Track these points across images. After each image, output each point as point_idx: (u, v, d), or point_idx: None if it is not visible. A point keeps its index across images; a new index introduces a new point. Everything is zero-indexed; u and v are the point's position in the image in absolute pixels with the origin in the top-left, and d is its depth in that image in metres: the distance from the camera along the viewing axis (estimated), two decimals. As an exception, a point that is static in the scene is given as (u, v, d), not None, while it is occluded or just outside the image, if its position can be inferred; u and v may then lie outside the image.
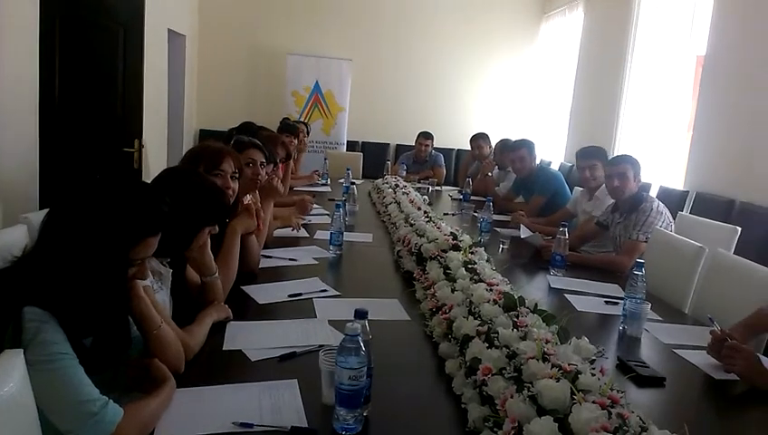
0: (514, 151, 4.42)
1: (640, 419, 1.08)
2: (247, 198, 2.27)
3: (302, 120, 7.11)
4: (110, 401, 1.12)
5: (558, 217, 3.79)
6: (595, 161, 3.56)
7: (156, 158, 5.29)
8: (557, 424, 1.07)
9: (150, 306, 1.36)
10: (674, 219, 3.16)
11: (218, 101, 7.73)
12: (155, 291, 1.53)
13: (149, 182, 1.61)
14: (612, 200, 3.22)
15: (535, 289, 2.53)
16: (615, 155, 3.16)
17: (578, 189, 4.04)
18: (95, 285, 1.15)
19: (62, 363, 1.09)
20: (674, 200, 4.70)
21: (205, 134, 7.60)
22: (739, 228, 3.18)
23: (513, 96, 8.42)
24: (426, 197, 4.03)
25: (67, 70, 4.11)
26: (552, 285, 2.56)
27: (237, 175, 2.12)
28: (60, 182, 3.88)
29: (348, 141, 7.90)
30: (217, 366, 1.56)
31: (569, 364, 1.23)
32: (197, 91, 7.68)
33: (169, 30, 5.99)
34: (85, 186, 1.21)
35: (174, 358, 1.40)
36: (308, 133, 5.72)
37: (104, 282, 1.16)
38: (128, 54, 4.40)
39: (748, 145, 4.39)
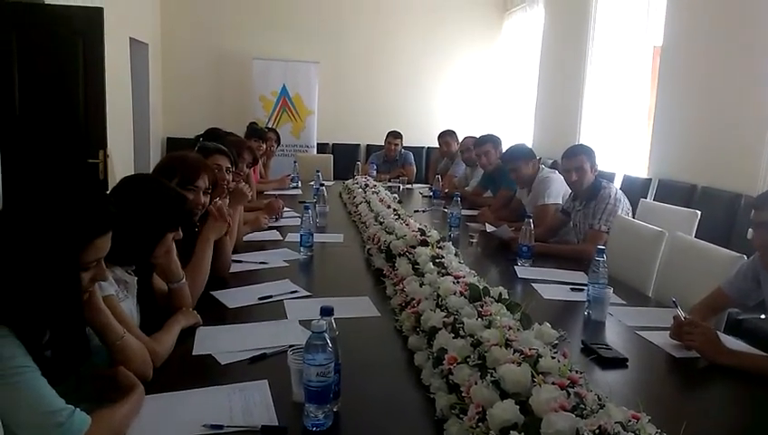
0: (480, 147, 4.48)
1: (598, 397, 1.12)
2: (217, 202, 2.27)
3: (271, 125, 7.08)
4: (77, 410, 1.12)
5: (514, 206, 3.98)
6: (515, 163, 3.69)
7: (122, 168, 5.22)
8: (518, 407, 1.11)
9: (111, 317, 1.35)
10: (636, 206, 3.24)
11: (185, 109, 7.65)
12: (120, 300, 1.52)
13: (109, 190, 1.60)
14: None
15: (503, 280, 2.57)
16: (568, 147, 3.22)
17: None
18: (48, 292, 1.14)
19: (23, 377, 1.08)
20: (638, 188, 4.81)
21: (172, 142, 7.52)
22: (699, 212, 3.27)
23: (478, 92, 8.50)
24: (396, 195, 4.06)
25: (26, 82, 4.05)
26: (519, 275, 2.61)
27: (210, 190, 2.13)
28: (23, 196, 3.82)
29: (318, 144, 7.89)
30: (187, 371, 1.56)
31: (530, 349, 1.27)
32: (163, 99, 7.60)
33: (131, 39, 5.93)
34: (26, 194, 1.20)
35: (140, 366, 1.39)
36: (278, 142, 5.71)
37: (57, 288, 1.15)
38: (88, 64, 4.34)
39: (707, 132, 4.51)
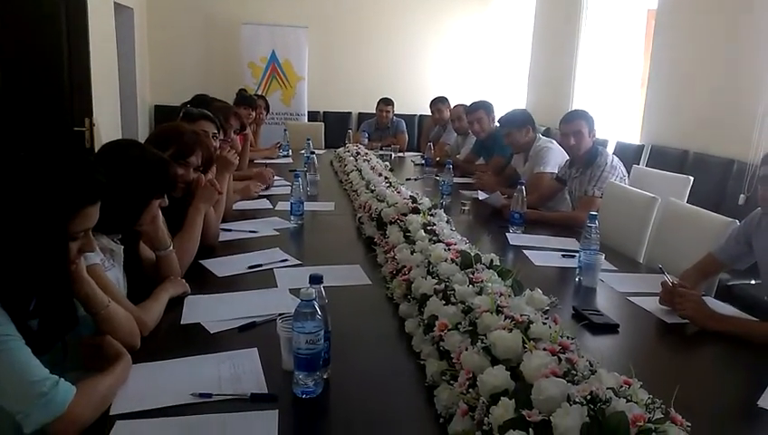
0: (472, 113, 4.43)
1: (589, 363, 1.11)
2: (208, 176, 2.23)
3: (260, 93, 6.97)
4: (61, 379, 1.10)
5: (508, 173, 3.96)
6: (510, 129, 3.63)
7: (109, 136, 5.12)
8: (509, 372, 1.10)
9: (95, 287, 1.32)
10: (629, 173, 3.23)
11: (172, 76, 7.50)
12: (106, 269, 1.50)
13: (89, 156, 1.56)
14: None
15: (495, 247, 2.56)
16: (569, 111, 3.19)
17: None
18: (36, 262, 1.12)
19: (6, 346, 1.06)
20: (630, 154, 4.79)
21: (160, 110, 7.39)
22: (691, 178, 3.27)
23: (471, 58, 8.39)
24: (388, 163, 4.02)
25: (7, 50, 3.94)
26: (511, 242, 2.60)
27: (201, 168, 2.09)
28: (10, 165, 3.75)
29: (309, 112, 7.78)
30: (175, 340, 1.54)
31: (521, 315, 1.26)
32: (150, 66, 7.44)
33: (115, 3, 5.77)
34: (13, 162, 1.16)
35: (127, 335, 1.38)
36: (267, 109, 5.62)
37: (45, 258, 1.13)
38: (71, 30, 4.22)
39: (700, 97, 4.48)
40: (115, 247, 1.59)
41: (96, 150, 4.28)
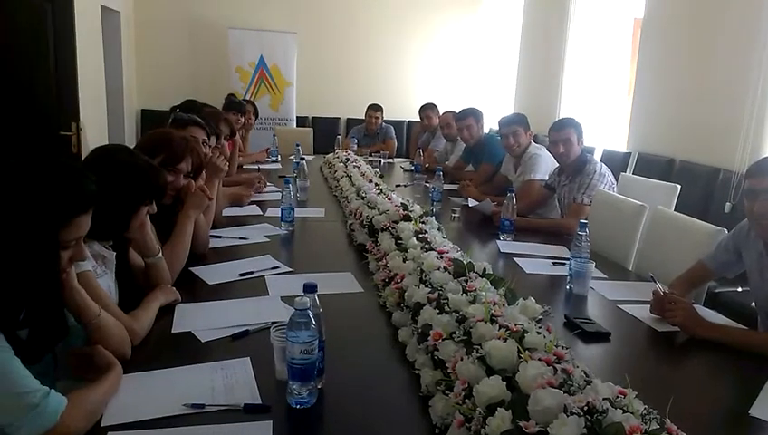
0: (461, 120, 4.44)
1: (585, 373, 1.12)
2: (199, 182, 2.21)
3: (248, 98, 6.95)
4: (52, 391, 1.08)
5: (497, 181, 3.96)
6: (517, 127, 3.62)
7: (96, 141, 5.08)
8: (505, 383, 1.10)
9: (86, 296, 1.30)
10: (617, 180, 3.25)
11: (159, 80, 7.46)
12: (98, 275, 1.48)
13: (78, 162, 1.54)
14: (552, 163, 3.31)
15: (486, 255, 2.57)
16: (557, 119, 3.21)
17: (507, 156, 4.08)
18: (26, 271, 1.10)
19: (-5, 357, 1.04)
20: (617, 162, 4.83)
21: (147, 114, 7.35)
22: (678, 186, 3.30)
23: (459, 65, 8.43)
24: (377, 169, 4.02)
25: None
26: (501, 250, 2.60)
27: (191, 175, 2.08)
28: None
29: (297, 117, 7.77)
30: (167, 349, 1.53)
31: (515, 325, 1.26)
32: (137, 70, 7.39)
33: (102, 6, 5.72)
34: (5, 170, 1.14)
35: (118, 345, 1.36)
36: (256, 115, 5.61)
37: (35, 267, 1.11)
38: (58, 33, 4.18)
39: (686, 106, 4.53)
40: (107, 254, 1.57)
41: (82, 155, 4.27)
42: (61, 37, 4.19)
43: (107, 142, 5.62)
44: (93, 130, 5.11)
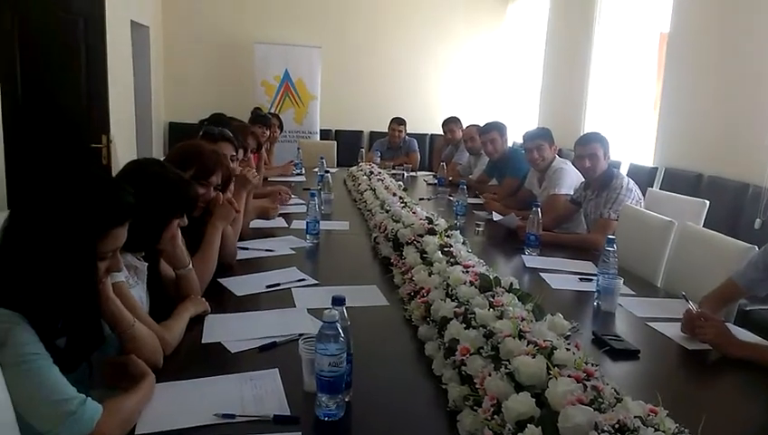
0: (485, 134, 4.44)
1: (615, 390, 1.11)
2: (227, 195, 2.25)
3: (273, 111, 7.04)
4: (89, 398, 1.11)
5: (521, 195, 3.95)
6: (541, 141, 3.61)
7: (125, 153, 5.19)
8: (534, 399, 1.09)
9: (121, 306, 1.34)
10: (644, 195, 3.22)
11: (187, 94, 7.60)
12: (130, 286, 1.51)
13: (113, 175, 1.58)
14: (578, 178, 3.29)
15: (511, 269, 2.56)
16: (583, 133, 3.20)
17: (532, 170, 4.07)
18: (65, 281, 1.13)
19: (35, 364, 1.07)
20: (644, 177, 4.78)
21: (174, 127, 7.48)
22: (707, 202, 3.25)
23: (483, 79, 8.45)
24: (401, 183, 4.04)
25: (28, 66, 4.01)
26: (527, 265, 2.59)
27: (220, 187, 2.12)
28: (27, 182, 3.79)
29: (321, 130, 7.85)
30: (197, 359, 1.55)
31: (544, 341, 1.26)
32: (164, 83, 7.54)
33: (132, 21, 5.86)
34: (45, 182, 1.18)
35: (151, 354, 1.39)
36: (281, 128, 5.68)
37: (74, 277, 1.14)
38: (90, 48, 4.29)
39: (714, 120, 4.48)
40: (139, 265, 1.61)
41: (112, 167, 4.36)
42: (92, 51, 4.30)
43: (136, 154, 5.73)
44: (122, 143, 5.22)
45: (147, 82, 6.56)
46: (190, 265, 1.82)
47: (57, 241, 1.13)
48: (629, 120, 5.72)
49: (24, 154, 3.90)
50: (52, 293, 1.13)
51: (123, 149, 5.19)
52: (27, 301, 1.10)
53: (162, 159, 2.05)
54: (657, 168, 5.00)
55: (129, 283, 1.51)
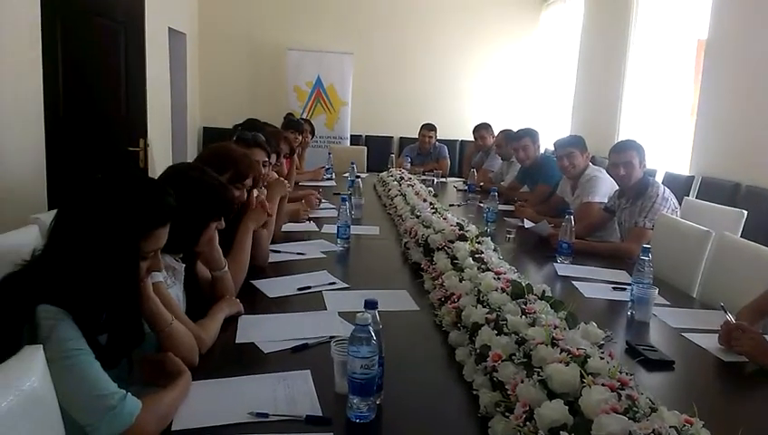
0: (518, 141, 4.42)
1: (650, 400, 1.10)
2: (255, 192, 2.29)
3: (305, 116, 7.12)
4: (129, 394, 1.14)
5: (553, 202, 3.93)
6: (572, 149, 3.57)
7: (161, 156, 5.31)
8: (567, 407, 1.09)
9: (160, 305, 1.38)
10: (680, 204, 3.17)
11: (221, 99, 7.74)
12: (168, 286, 1.55)
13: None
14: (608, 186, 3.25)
15: (542, 277, 2.53)
16: (618, 141, 3.16)
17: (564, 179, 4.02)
18: (108, 279, 1.17)
19: (78, 359, 1.11)
20: (680, 186, 4.69)
21: (208, 132, 7.62)
22: (745, 212, 3.18)
23: (514, 85, 8.40)
24: (431, 188, 4.04)
25: (70, 70, 4.12)
26: (559, 273, 2.57)
27: (251, 188, 2.17)
28: (67, 183, 3.90)
29: (351, 135, 7.91)
30: (231, 359, 1.58)
31: (578, 349, 1.25)
32: (199, 88, 7.70)
33: (170, 28, 6.00)
34: (91, 183, 1.23)
35: (187, 352, 1.42)
36: (313, 133, 5.74)
37: (117, 275, 1.18)
38: (129, 53, 4.41)
39: (752, 128, 4.37)
40: (177, 266, 1.65)
41: (149, 170, 4.46)
42: (132, 57, 4.42)
43: (171, 158, 5.86)
44: (159, 147, 5.34)
45: (183, 88, 6.71)
46: (226, 268, 1.85)
47: (102, 240, 1.17)
48: (665, 128, 5.62)
49: (65, 156, 4.01)
50: (95, 290, 1.18)
51: (159, 152, 5.31)
52: (72, 298, 1.14)
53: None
54: (693, 176, 4.89)
55: (167, 283, 1.54)
